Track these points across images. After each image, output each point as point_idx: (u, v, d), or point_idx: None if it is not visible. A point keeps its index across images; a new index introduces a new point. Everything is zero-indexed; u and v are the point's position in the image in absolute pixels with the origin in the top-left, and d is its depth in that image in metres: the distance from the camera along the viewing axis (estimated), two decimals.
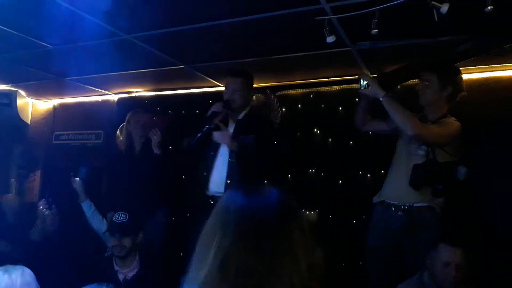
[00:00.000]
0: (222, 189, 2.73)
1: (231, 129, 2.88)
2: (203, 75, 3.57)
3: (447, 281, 2.14)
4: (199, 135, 2.78)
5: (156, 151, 3.32)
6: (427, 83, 2.53)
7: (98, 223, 3.19)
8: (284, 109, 3.65)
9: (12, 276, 1.72)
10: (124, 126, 3.50)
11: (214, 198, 2.77)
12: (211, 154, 2.88)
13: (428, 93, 2.53)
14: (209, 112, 2.78)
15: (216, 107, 2.78)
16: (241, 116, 2.90)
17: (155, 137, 3.32)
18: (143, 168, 3.28)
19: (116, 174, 3.53)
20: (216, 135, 2.76)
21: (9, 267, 1.78)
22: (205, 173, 2.88)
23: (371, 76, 2.70)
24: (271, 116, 3.64)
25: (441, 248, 2.18)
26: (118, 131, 3.92)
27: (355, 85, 2.81)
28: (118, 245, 2.68)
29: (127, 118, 3.49)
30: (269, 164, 2.79)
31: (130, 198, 3.16)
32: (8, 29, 2.72)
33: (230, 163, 2.77)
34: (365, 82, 2.51)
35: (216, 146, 2.87)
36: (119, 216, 2.77)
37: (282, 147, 3.13)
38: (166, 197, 3.40)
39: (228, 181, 2.73)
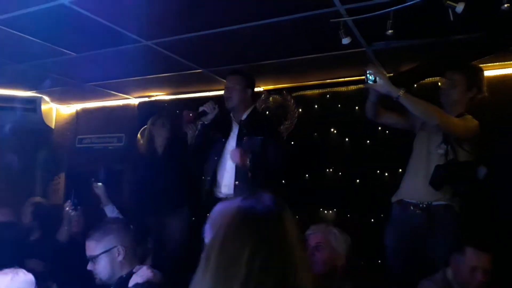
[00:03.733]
0: (232, 191, 2.80)
1: (235, 130, 2.94)
2: (221, 78, 3.63)
3: (473, 284, 2.11)
4: (196, 133, 2.93)
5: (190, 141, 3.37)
6: (454, 83, 2.52)
7: None
8: (300, 110, 3.69)
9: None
10: (148, 128, 3.57)
11: (228, 199, 2.83)
12: (214, 158, 2.94)
13: (453, 92, 2.52)
14: (199, 109, 2.89)
15: (206, 107, 2.88)
16: (244, 116, 2.94)
17: (190, 132, 3.36)
18: (167, 168, 3.36)
19: (139, 176, 3.61)
20: (231, 154, 2.81)
21: (16, 270, 1.83)
22: (208, 178, 2.94)
23: (384, 73, 2.65)
24: (277, 115, 3.70)
25: (468, 252, 2.13)
26: (139, 135, 4.01)
27: None
28: None
29: (151, 121, 3.55)
30: (277, 166, 2.84)
31: (154, 199, 3.24)
32: (35, 39, 2.83)
33: (238, 166, 2.82)
34: (372, 76, 2.38)
35: (220, 150, 2.93)
36: None
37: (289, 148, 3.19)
38: (187, 197, 3.46)
39: (236, 183, 2.80)
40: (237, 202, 1.03)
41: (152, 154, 3.50)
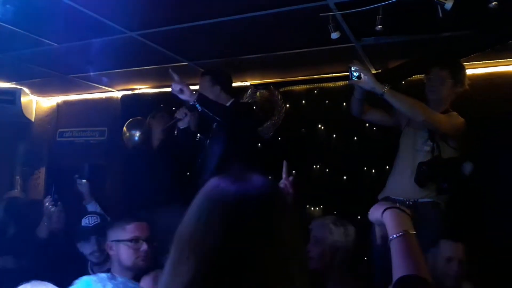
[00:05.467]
0: None
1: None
2: None
3: (449, 276, 2.15)
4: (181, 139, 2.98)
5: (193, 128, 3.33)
6: (442, 80, 2.52)
7: None
8: (288, 105, 3.66)
9: None
10: (147, 121, 3.57)
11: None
12: (199, 161, 2.95)
13: (440, 89, 2.53)
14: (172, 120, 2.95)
15: (178, 114, 2.91)
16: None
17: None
18: (161, 162, 3.32)
19: (130, 170, 3.56)
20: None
21: (37, 283, 1.73)
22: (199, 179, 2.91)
23: (369, 69, 2.65)
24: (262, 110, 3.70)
25: (442, 244, 2.18)
26: (124, 127, 3.94)
27: None
28: (97, 251, 2.45)
29: (152, 114, 3.58)
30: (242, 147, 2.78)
31: (147, 193, 3.19)
32: (14, 28, 2.73)
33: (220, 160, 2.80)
34: (357, 73, 2.38)
35: (204, 151, 2.94)
36: (89, 219, 2.64)
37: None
38: (180, 192, 3.41)
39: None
40: (215, 182, 0.81)
41: (147, 148, 3.46)
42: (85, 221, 2.61)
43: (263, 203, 0.78)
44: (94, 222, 2.58)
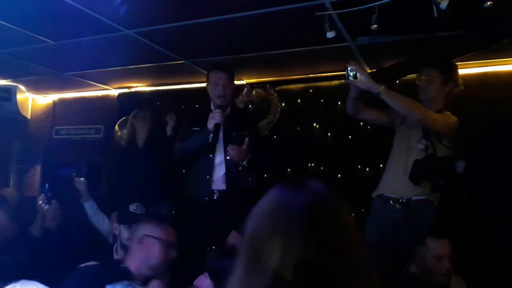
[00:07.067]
0: (219, 186, 2.80)
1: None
2: (203, 70, 3.58)
3: (442, 274, 2.17)
4: (198, 143, 2.79)
5: (169, 132, 3.48)
6: (430, 79, 2.54)
7: (100, 221, 3.19)
8: (283, 104, 3.67)
9: None
10: (130, 121, 3.52)
11: (219, 192, 2.81)
12: (209, 156, 2.86)
13: (430, 89, 2.55)
14: (211, 126, 2.68)
15: (217, 117, 2.68)
16: (227, 112, 2.89)
17: (171, 120, 3.53)
18: (146, 162, 3.31)
19: (117, 170, 3.54)
20: (231, 153, 2.74)
21: (26, 282, 1.72)
22: (207, 176, 2.84)
23: (365, 68, 2.66)
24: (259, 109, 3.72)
25: (429, 243, 2.19)
26: (116, 126, 3.94)
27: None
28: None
29: (133, 113, 3.52)
30: (265, 159, 2.86)
31: (135, 192, 3.17)
32: (9, 25, 2.72)
33: (227, 161, 2.81)
34: (353, 72, 2.39)
35: (212, 149, 2.84)
36: (137, 207, 2.65)
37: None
38: (168, 191, 3.40)
39: (228, 178, 2.79)
40: (274, 191, 0.85)
41: (132, 147, 3.44)
42: (132, 207, 2.64)
43: (331, 207, 0.83)
44: (141, 211, 2.63)
